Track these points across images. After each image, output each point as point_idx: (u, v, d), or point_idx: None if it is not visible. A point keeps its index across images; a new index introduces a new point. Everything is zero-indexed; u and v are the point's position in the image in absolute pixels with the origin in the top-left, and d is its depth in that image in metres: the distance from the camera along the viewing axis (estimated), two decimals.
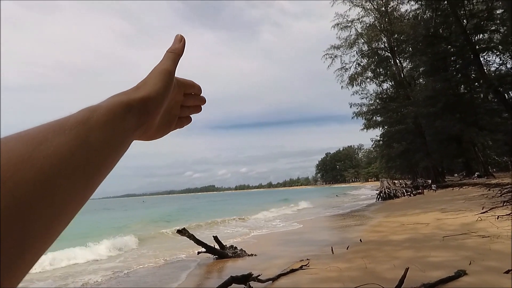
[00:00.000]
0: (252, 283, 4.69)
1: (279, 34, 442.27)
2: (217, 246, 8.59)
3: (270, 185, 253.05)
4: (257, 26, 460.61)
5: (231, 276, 4.60)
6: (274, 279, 4.99)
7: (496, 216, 7.40)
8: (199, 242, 8.56)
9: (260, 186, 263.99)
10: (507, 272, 3.39)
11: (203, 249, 8.43)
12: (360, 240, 7.52)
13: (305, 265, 5.54)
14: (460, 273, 3.54)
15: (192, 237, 8.59)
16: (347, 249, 6.67)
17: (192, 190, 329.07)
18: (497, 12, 23.83)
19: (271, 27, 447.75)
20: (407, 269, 3.60)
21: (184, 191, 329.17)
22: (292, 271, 5.29)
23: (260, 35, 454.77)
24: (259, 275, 4.93)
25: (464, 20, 24.53)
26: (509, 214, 7.35)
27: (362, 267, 4.83)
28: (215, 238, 8.85)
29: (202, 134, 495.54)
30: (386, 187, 25.48)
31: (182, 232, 8.58)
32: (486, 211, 8.53)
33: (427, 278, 3.67)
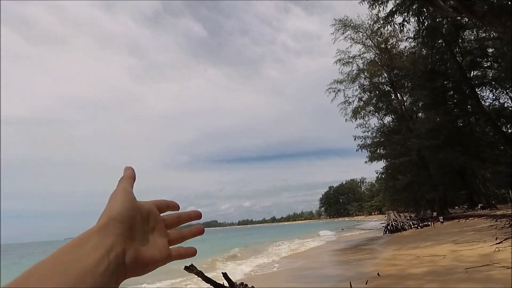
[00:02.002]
0: None
1: (282, 69, 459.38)
2: (226, 284, 8.30)
3: (273, 220, 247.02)
4: (260, 62, 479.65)
5: None
6: None
7: None
8: (207, 280, 8.27)
9: (263, 221, 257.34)
10: None
11: (211, 287, 8.16)
12: (378, 274, 7.27)
13: None
14: None
15: (200, 274, 8.29)
16: (366, 284, 6.43)
17: (194, 225, 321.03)
18: (490, 50, 25.18)
19: (274, 63, 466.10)
20: None
21: (186, 227, 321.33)
22: None
23: (263, 71, 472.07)
24: None
25: (459, 57, 25.80)
26: None
27: None
28: (224, 275, 8.54)
29: (205, 168, 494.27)
30: (393, 219, 25.01)
31: (190, 268, 8.29)
32: (501, 242, 8.36)
33: None
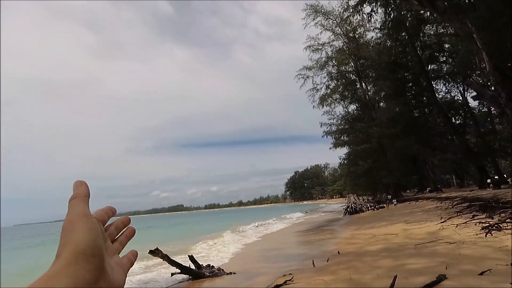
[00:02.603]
0: None
1: (253, 54, 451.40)
2: (192, 266, 8.23)
3: (240, 204, 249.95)
4: (231, 45, 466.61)
5: None
6: None
7: (455, 225, 8.09)
8: (173, 263, 8.09)
9: (230, 205, 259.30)
10: (481, 273, 3.74)
11: (178, 270, 8.02)
12: (338, 252, 7.75)
13: (290, 280, 5.45)
14: (442, 278, 3.82)
15: (166, 257, 8.09)
16: (327, 261, 6.82)
17: (159, 210, 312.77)
18: (446, 46, 26.97)
19: (245, 47, 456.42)
20: (395, 277, 3.80)
21: (150, 212, 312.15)
22: (277, 287, 5.21)
23: (234, 54, 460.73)
24: None
25: (420, 51, 27.34)
26: (465, 223, 8.09)
27: (347, 279, 4.95)
28: (191, 258, 8.44)
29: (172, 153, 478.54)
30: (353, 202, 26.61)
31: (155, 252, 8.07)
32: (445, 221, 9.29)
33: (411, 284, 3.89)
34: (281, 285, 5.27)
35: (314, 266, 6.55)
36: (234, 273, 7.75)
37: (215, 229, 23.00)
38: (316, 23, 34.12)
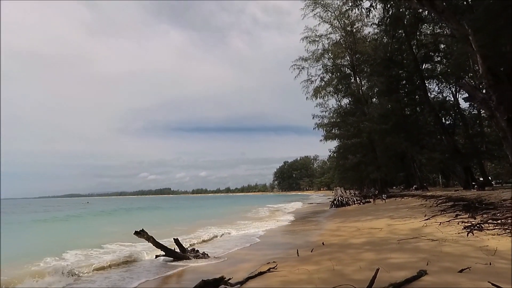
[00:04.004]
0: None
1: (249, 42, 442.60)
2: (178, 250, 8.26)
3: (228, 190, 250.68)
4: (227, 31, 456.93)
5: (202, 280, 4.47)
6: (242, 282, 4.86)
7: (439, 223, 8.30)
8: (158, 245, 8.13)
9: (218, 191, 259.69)
10: (461, 271, 3.84)
11: (162, 253, 8.06)
12: (323, 243, 7.86)
13: (273, 268, 5.50)
14: (422, 273, 3.91)
15: (151, 239, 8.11)
16: (311, 251, 6.91)
17: (145, 192, 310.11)
18: (442, 46, 27.11)
19: (242, 34, 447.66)
20: (377, 270, 3.85)
21: (137, 193, 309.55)
22: (261, 273, 5.23)
23: (230, 41, 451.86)
24: (229, 279, 4.84)
25: (415, 49, 27.42)
26: (448, 221, 8.30)
27: (330, 269, 5.01)
28: (176, 241, 8.46)
29: (162, 135, 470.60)
30: (340, 195, 27.03)
31: (141, 234, 8.07)
32: (429, 218, 9.52)
33: (392, 278, 3.96)
34: (264, 272, 5.31)
35: (298, 255, 6.63)
36: (218, 257, 7.79)
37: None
38: (314, 14, 33.79)
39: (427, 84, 28.94)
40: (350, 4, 23.91)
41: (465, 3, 16.62)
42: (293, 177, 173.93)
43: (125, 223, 19.45)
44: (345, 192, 29.29)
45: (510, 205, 8.61)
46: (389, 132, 27.65)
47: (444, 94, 31.34)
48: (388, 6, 23.40)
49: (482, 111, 25.23)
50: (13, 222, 23.14)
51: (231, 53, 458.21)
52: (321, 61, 35.31)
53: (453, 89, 30.41)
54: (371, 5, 21.38)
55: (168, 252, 8.04)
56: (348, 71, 35.85)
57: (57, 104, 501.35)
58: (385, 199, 25.00)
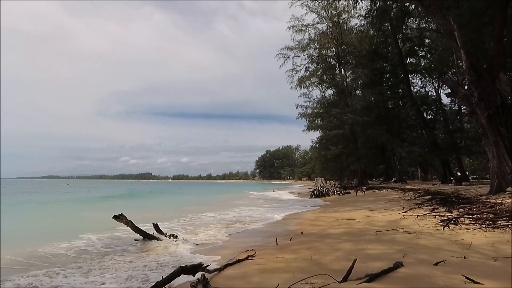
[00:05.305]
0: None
1: (234, 27, 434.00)
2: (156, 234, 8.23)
3: (209, 177, 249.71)
4: (213, 16, 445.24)
5: (180, 266, 4.30)
6: (220, 269, 4.83)
7: (416, 216, 8.47)
8: (137, 229, 8.13)
9: (199, 177, 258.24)
10: (436, 264, 3.85)
11: (141, 237, 8.06)
12: (302, 232, 7.86)
13: (252, 256, 5.46)
14: (398, 265, 3.90)
15: (130, 223, 8.11)
16: (290, 240, 6.88)
17: (126, 176, 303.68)
18: (427, 41, 27.47)
19: (227, 19, 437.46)
20: (355, 261, 3.81)
21: (117, 177, 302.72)
22: (239, 261, 5.19)
23: (214, 25, 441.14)
24: (207, 265, 4.72)
25: (401, 43, 27.65)
26: (425, 214, 8.49)
27: (308, 258, 4.98)
28: (155, 226, 8.49)
29: (144, 120, 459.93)
30: (320, 185, 27.43)
31: (120, 218, 8.02)
32: (407, 211, 9.72)
33: (369, 269, 3.93)
34: (243, 259, 5.27)
35: (277, 244, 6.59)
36: (197, 244, 7.66)
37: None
38: (302, 3, 33.42)
39: (410, 78, 29.42)
40: None
41: None
42: (274, 166, 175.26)
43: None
44: (325, 182, 29.75)
45: (486, 200, 8.88)
46: (371, 124, 28.08)
47: (426, 89, 32.04)
48: None
49: (463, 107, 26.03)
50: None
51: (215, 38, 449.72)
52: (306, 51, 35.23)
53: (436, 84, 31.16)
54: None
55: (146, 236, 8.17)
56: (333, 62, 35.90)
57: (34, 81, 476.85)
58: (364, 191, 25.58)
